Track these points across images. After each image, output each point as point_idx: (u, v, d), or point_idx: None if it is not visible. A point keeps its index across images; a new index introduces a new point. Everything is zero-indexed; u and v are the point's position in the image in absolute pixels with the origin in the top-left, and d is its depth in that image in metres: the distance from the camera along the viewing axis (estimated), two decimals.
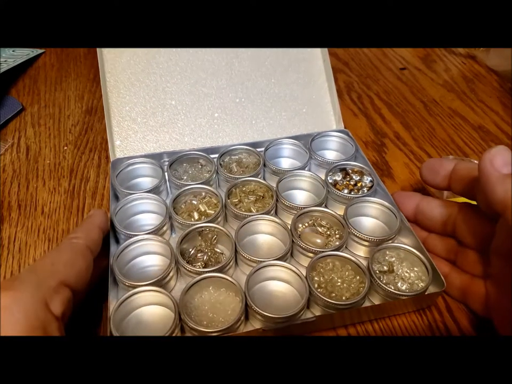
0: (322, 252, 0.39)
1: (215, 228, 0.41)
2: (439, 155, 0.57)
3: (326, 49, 0.55)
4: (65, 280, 0.30)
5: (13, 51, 0.74)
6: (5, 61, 0.69)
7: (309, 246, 0.39)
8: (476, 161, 0.45)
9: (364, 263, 0.39)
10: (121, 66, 0.52)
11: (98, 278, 0.38)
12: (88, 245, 0.34)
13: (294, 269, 0.38)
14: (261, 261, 0.38)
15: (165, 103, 0.52)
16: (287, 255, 0.40)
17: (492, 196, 0.31)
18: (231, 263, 0.39)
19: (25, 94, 0.67)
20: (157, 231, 0.41)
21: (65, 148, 0.57)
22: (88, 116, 0.63)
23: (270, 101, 0.54)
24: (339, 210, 0.45)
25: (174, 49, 0.53)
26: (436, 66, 0.76)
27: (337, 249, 0.39)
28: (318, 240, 0.42)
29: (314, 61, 0.55)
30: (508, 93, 0.69)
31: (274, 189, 0.45)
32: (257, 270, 0.38)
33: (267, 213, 0.43)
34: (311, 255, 0.39)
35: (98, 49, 0.52)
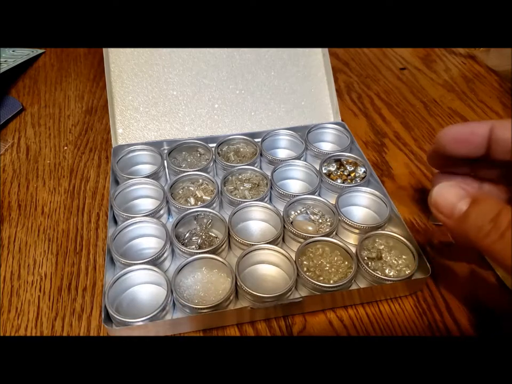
0: (312, 237, 0.40)
1: (210, 212, 0.43)
2: None
3: None
4: None
5: (13, 51, 0.74)
6: (5, 61, 0.69)
7: (300, 232, 0.41)
8: None
9: (354, 249, 0.40)
10: (125, 57, 0.54)
11: None
12: None
13: (284, 252, 0.39)
14: (252, 244, 0.39)
15: (166, 94, 0.54)
16: (278, 240, 0.41)
17: (460, 241, 0.27)
18: (224, 246, 0.40)
19: (25, 94, 0.67)
20: (154, 214, 0.42)
21: (65, 147, 0.57)
22: (88, 115, 0.63)
23: (270, 93, 0.55)
24: (332, 199, 0.46)
25: None
26: (436, 66, 0.76)
27: (327, 235, 0.41)
28: (310, 228, 0.43)
29: (313, 55, 0.56)
30: (507, 93, 0.69)
31: (270, 177, 0.46)
32: (249, 252, 0.39)
33: (261, 200, 0.44)
34: (301, 240, 0.41)
35: None
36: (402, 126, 0.62)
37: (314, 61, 0.56)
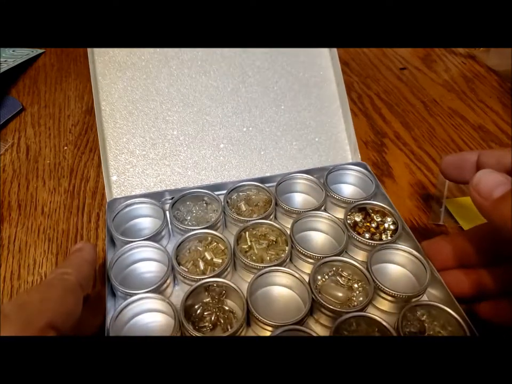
0: (346, 312, 0.35)
1: (224, 283, 0.37)
2: (439, 155, 0.57)
3: (340, 72, 0.51)
4: (53, 321, 0.28)
5: (13, 51, 0.74)
6: (5, 61, 0.70)
7: (329, 305, 0.35)
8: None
9: (389, 319, 0.35)
10: (118, 93, 0.48)
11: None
12: (79, 281, 0.32)
13: (315, 335, 0.34)
14: (277, 326, 0.34)
15: (165, 134, 0.48)
16: (306, 317, 0.35)
17: (492, 223, 0.30)
18: (243, 327, 0.35)
19: (25, 94, 0.67)
20: (158, 288, 0.37)
21: (65, 147, 0.58)
22: (88, 115, 0.63)
23: (280, 129, 0.49)
24: (360, 256, 0.41)
25: (175, 74, 0.48)
26: (436, 66, 0.76)
27: (362, 309, 0.35)
28: (340, 294, 0.38)
29: (327, 85, 0.51)
30: (508, 93, 0.69)
31: (289, 233, 0.41)
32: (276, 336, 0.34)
33: (281, 264, 0.39)
34: (332, 315, 0.35)
35: (92, 75, 0.47)
36: (402, 126, 0.62)
37: (328, 92, 0.51)
